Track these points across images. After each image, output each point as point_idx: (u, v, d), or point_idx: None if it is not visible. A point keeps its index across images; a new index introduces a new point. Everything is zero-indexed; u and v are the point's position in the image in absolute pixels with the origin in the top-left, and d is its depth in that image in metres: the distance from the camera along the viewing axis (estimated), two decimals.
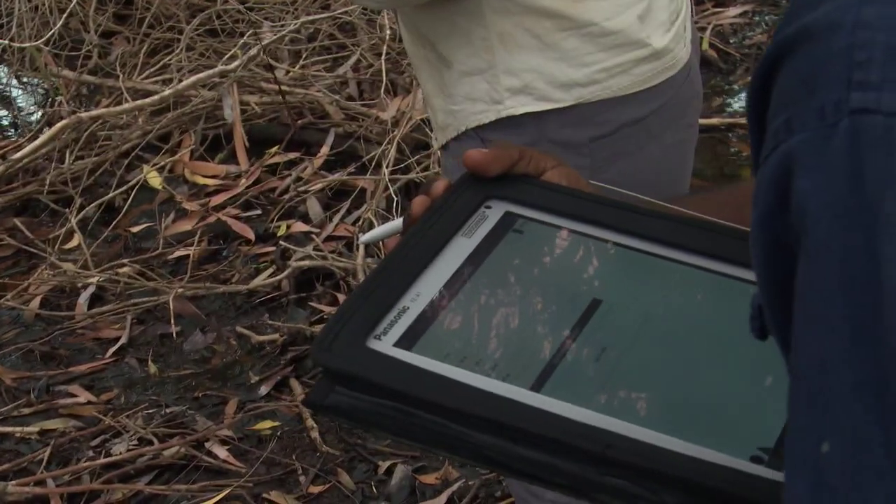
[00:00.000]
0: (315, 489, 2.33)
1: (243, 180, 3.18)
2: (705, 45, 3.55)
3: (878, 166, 0.46)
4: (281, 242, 2.95)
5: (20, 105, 3.54)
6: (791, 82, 0.49)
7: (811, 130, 0.48)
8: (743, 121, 3.10)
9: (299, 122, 3.28)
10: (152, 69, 3.42)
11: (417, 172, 2.93)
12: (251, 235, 3.01)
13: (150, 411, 2.55)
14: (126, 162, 3.21)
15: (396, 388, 0.65)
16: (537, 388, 0.66)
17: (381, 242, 1.61)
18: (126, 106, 3.14)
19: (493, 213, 0.78)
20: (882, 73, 0.47)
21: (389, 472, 2.35)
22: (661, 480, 0.61)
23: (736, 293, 0.72)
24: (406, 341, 0.68)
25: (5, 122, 3.62)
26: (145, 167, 3.18)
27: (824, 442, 0.47)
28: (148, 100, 3.16)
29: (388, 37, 3.30)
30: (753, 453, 0.63)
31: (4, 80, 3.68)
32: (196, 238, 2.99)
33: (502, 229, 0.77)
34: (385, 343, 0.68)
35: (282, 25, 3.38)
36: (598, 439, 0.62)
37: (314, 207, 3.03)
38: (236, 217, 3.08)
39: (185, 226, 3.06)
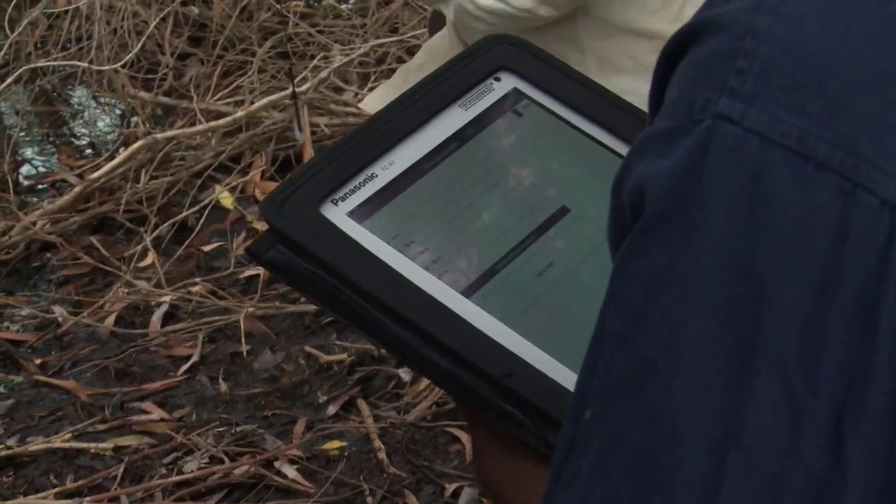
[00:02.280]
0: None
1: None
2: None
3: (715, 178, 0.46)
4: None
5: (98, 125, 3.63)
6: (685, 69, 0.49)
7: (677, 120, 0.48)
8: None
9: None
10: (225, 91, 3.48)
11: None
12: None
13: (221, 429, 2.59)
14: (199, 182, 3.27)
15: (328, 261, 0.63)
16: (469, 293, 0.64)
17: None
18: (200, 127, 3.21)
19: (501, 86, 0.71)
20: (755, 86, 0.46)
21: (456, 494, 2.38)
22: (548, 420, 0.61)
23: None
24: (360, 213, 0.65)
25: (83, 142, 3.70)
26: (217, 187, 3.24)
27: (588, 409, 0.48)
28: (221, 121, 3.22)
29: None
30: None
31: (84, 101, 3.77)
32: None
33: (503, 107, 0.70)
34: (339, 210, 0.65)
35: (351, 49, 3.43)
36: (501, 364, 0.61)
37: None
38: None
39: None
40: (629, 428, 0.46)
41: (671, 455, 0.44)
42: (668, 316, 0.46)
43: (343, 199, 0.65)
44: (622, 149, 0.70)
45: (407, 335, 0.62)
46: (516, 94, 0.71)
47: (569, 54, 1.48)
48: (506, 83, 0.71)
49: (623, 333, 0.47)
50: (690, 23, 0.49)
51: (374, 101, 1.44)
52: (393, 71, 3.56)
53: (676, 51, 0.50)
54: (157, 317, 2.92)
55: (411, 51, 3.60)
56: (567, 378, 0.61)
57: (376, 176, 0.66)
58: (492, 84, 0.71)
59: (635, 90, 1.51)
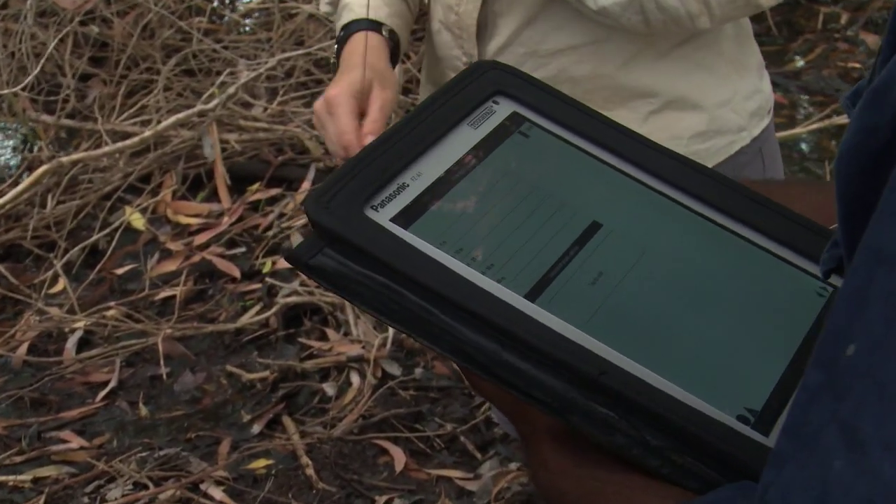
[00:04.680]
0: None
1: (226, 218, 3.19)
2: None
3: None
4: (267, 279, 2.96)
5: None
6: None
7: None
8: None
9: (279, 158, 3.30)
10: (130, 111, 3.42)
11: None
12: (237, 273, 3.02)
13: (144, 454, 2.55)
14: (108, 204, 3.22)
15: (391, 262, 0.61)
16: (532, 297, 0.63)
17: None
18: (106, 149, 3.15)
19: (501, 109, 0.74)
20: None
21: None
22: (646, 418, 0.59)
23: (739, 251, 0.71)
24: (403, 219, 0.64)
25: None
26: (128, 209, 3.18)
27: (851, 344, 0.44)
28: (128, 142, 3.16)
29: None
30: (740, 412, 0.61)
31: None
32: (182, 278, 2.99)
33: (508, 128, 0.73)
34: (381, 216, 0.64)
35: (258, 63, 3.39)
36: (594, 363, 0.60)
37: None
38: (221, 255, 3.08)
39: (170, 266, 3.07)
40: None
41: None
42: None
43: (382, 205, 0.65)
44: (620, 164, 0.72)
45: (479, 339, 0.60)
46: (517, 117, 0.74)
47: (709, 59, 1.51)
48: (504, 106, 0.74)
49: None
50: None
51: None
52: (301, 84, 3.54)
53: None
54: (71, 343, 2.85)
55: (319, 63, 3.59)
56: (645, 374, 0.61)
57: (408, 186, 0.66)
58: (492, 107, 0.73)
59: (760, 89, 1.56)
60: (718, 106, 1.50)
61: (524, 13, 1.46)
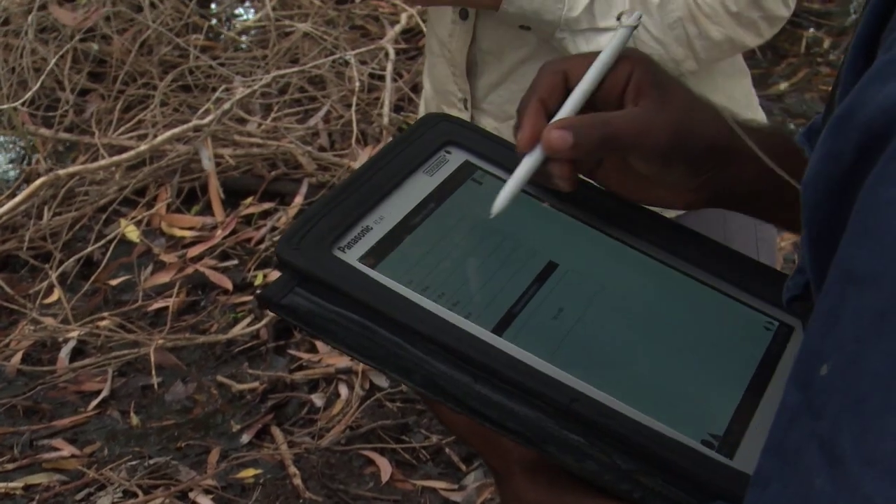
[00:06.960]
0: None
1: (219, 231, 3.24)
2: None
3: None
4: (258, 291, 3.00)
5: None
6: None
7: None
8: None
9: (272, 173, 3.35)
10: (127, 125, 3.46)
11: None
12: (229, 285, 3.06)
13: (134, 463, 2.58)
14: (104, 216, 3.25)
15: (363, 300, 0.63)
16: (499, 331, 0.65)
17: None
18: (103, 162, 3.19)
19: (454, 158, 0.77)
20: None
21: None
22: (617, 443, 0.61)
23: (688, 289, 0.74)
24: (370, 259, 0.67)
25: None
26: (123, 221, 3.22)
27: (824, 363, 0.44)
28: (124, 155, 3.20)
29: (356, 88, 3.37)
30: (704, 437, 0.63)
31: None
32: (175, 290, 3.04)
33: (462, 175, 0.76)
34: (349, 256, 0.66)
35: (253, 80, 3.45)
36: (565, 391, 0.62)
37: None
38: (213, 268, 3.13)
39: (164, 278, 3.11)
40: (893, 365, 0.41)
41: None
42: None
43: (349, 246, 0.67)
44: (568, 208, 0.76)
45: (452, 372, 0.62)
46: (469, 165, 0.77)
47: (703, 92, 1.52)
48: (457, 156, 0.77)
49: (878, 270, 0.42)
50: None
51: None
52: (295, 101, 3.59)
53: None
54: (64, 353, 2.89)
55: (312, 80, 3.64)
56: (618, 406, 0.63)
57: (371, 228, 0.69)
58: (445, 156, 0.77)
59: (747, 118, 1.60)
60: None
61: (516, 54, 1.47)
